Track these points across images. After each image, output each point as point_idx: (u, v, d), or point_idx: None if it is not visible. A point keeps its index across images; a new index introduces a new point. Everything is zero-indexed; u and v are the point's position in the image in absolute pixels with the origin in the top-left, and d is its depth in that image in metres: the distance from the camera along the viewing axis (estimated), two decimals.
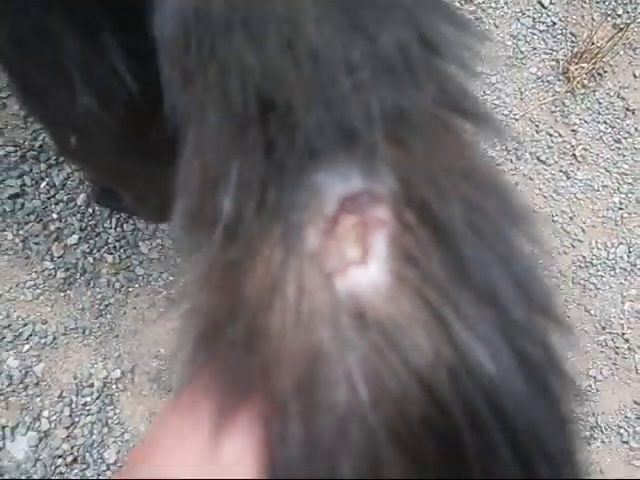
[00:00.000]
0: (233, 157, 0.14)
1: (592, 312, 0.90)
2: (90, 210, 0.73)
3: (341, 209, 0.13)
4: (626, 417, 0.88)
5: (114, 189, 0.63)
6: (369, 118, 0.14)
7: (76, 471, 0.69)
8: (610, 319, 0.90)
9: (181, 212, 0.17)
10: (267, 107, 0.14)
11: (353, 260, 0.12)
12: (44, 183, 0.72)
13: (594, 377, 0.88)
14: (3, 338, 0.69)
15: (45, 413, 0.69)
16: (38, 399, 0.69)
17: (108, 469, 0.70)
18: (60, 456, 0.69)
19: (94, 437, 0.70)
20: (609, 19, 0.96)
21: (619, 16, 0.97)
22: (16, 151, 0.71)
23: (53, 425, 0.69)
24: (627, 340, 0.90)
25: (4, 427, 0.68)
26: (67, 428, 0.70)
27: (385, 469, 0.11)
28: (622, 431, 0.87)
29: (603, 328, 0.90)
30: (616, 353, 0.89)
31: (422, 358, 0.11)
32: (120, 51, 0.23)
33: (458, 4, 0.90)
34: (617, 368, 0.89)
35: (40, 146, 0.72)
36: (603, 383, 0.88)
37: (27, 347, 0.70)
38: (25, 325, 0.70)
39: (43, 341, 0.70)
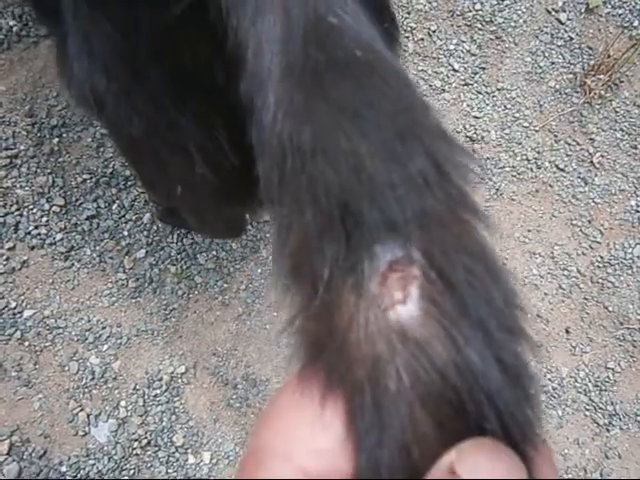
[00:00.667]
0: (325, 241, 0.23)
1: (610, 309, 0.96)
2: (155, 227, 0.83)
3: (389, 269, 0.21)
4: None
5: (178, 211, 0.73)
6: (405, 216, 0.22)
7: (149, 452, 0.80)
8: (628, 315, 0.96)
9: (281, 265, 0.25)
10: (344, 209, 0.23)
11: (398, 301, 0.21)
12: (115, 205, 0.83)
13: (612, 369, 0.94)
14: (85, 340, 0.80)
15: (122, 403, 0.80)
16: (116, 391, 0.81)
17: (176, 451, 0.81)
18: (136, 440, 0.80)
19: (164, 424, 0.81)
20: (625, 31, 1.01)
21: (635, 28, 1.02)
22: (91, 178, 0.82)
23: (129, 413, 0.81)
24: None
25: (89, 415, 0.79)
26: (141, 416, 0.81)
27: (419, 425, 0.20)
28: (639, 418, 0.93)
29: (621, 323, 0.96)
30: (634, 346, 0.96)
31: (440, 360, 0.20)
32: (227, 137, 0.33)
33: (480, 25, 0.97)
34: (634, 360, 0.95)
35: (111, 173, 0.83)
36: (621, 374, 0.95)
37: (105, 347, 0.81)
38: (103, 328, 0.81)
39: (119, 342, 0.81)
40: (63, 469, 0.77)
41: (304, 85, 0.24)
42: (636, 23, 1.02)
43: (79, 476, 0.78)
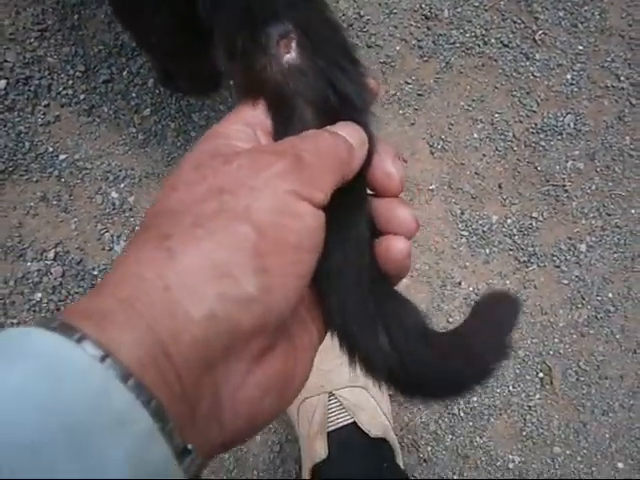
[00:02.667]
0: (240, 30, 0.41)
1: (539, 168, 1.14)
2: (157, 91, 1.04)
3: (279, 38, 0.34)
4: (560, 249, 1.14)
5: (173, 75, 0.92)
6: (283, 8, 0.40)
7: None
8: (554, 174, 1.14)
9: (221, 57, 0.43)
10: (247, 10, 0.41)
11: (286, 52, 0.35)
12: (125, 71, 1.03)
13: (536, 218, 1.14)
14: (107, 179, 1.04)
15: (136, 227, 1.05)
16: (132, 218, 1.05)
17: None
18: None
19: None
20: None
21: None
22: (105, 48, 1.02)
23: None
24: (566, 191, 1.14)
25: (112, 235, 1.04)
26: None
27: (305, 117, 0.39)
28: (555, 258, 1.14)
29: (547, 181, 1.14)
30: (556, 200, 1.14)
31: (311, 75, 0.38)
32: None
33: None
34: (556, 212, 1.14)
35: (121, 45, 1.02)
36: (543, 223, 1.14)
37: (122, 185, 1.04)
38: (120, 170, 1.04)
39: (132, 181, 1.04)
40: (95, 273, 1.04)
41: None
42: None
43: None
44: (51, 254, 1.02)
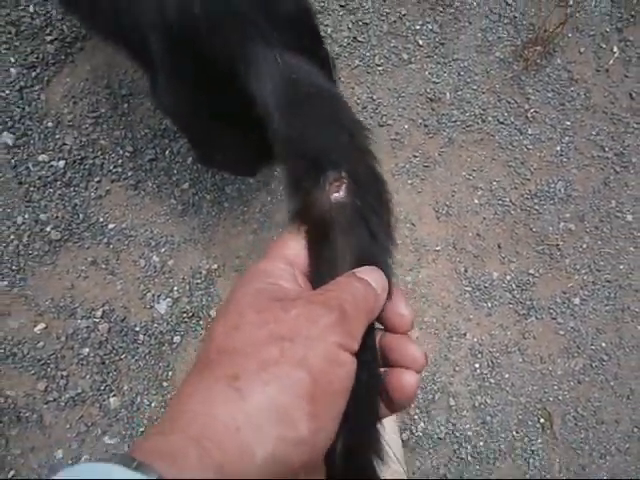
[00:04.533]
0: (303, 174, 0.55)
1: (534, 230, 1.26)
2: (195, 167, 1.18)
3: (333, 180, 0.36)
4: (555, 302, 1.26)
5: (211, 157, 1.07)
6: (338, 158, 0.55)
7: (194, 321, 1.18)
8: (548, 235, 1.27)
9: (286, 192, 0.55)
10: (311, 160, 0.53)
11: (335, 191, 0.36)
12: (167, 151, 1.17)
13: (532, 274, 1.26)
14: (149, 244, 1.17)
15: (175, 288, 1.18)
16: (171, 280, 1.18)
17: (212, 321, 1.18)
18: (185, 312, 1.17)
19: (203, 302, 1.18)
20: (561, 10, 1.26)
21: (570, 6, 1.27)
22: (150, 132, 1.17)
23: (180, 295, 1.18)
24: (560, 249, 1.27)
25: (153, 295, 1.17)
26: (188, 297, 1.18)
27: (338, 242, 0.38)
28: (551, 311, 1.25)
29: (542, 241, 1.26)
30: (551, 258, 1.26)
31: (350, 206, 0.36)
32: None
33: (441, 8, 1.24)
34: (551, 269, 1.26)
35: (164, 128, 1.17)
36: (539, 279, 1.26)
37: (163, 250, 1.17)
38: (161, 237, 1.17)
39: (172, 247, 1.17)
40: (137, 329, 1.16)
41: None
42: (571, 2, 1.27)
43: (148, 334, 1.16)
44: (99, 312, 1.15)
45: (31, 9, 1.13)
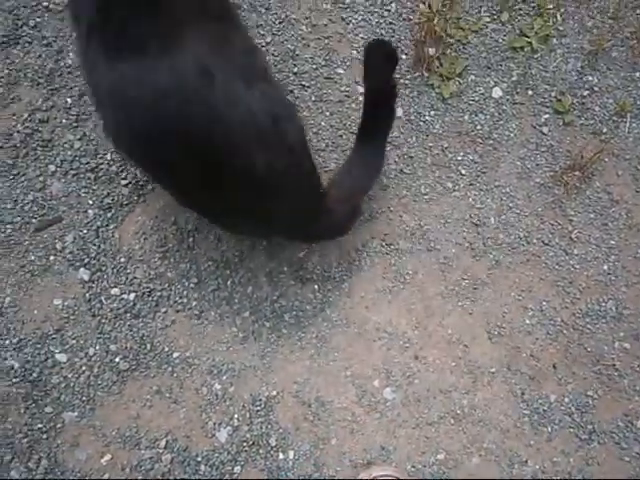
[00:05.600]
0: None
1: (589, 350, 1.27)
2: (255, 295, 1.24)
3: None
4: (617, 425, 1.23)
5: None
6: None
7: (254, 449, 1.19)
8: (603, 355, 1.26)
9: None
10: None
11: None
12: (229, 281, 1.24)
13: (591, 396, 1.24)
14: (212, 372, 1.21)
15: (236, 416, 1.20)
16: (231, 407, 1.20)
17: (271, 449, 1.19)
18: (245, 441, 1.19)
19: (263, 430, 1.20)
20: (595, 137, 1.34)
21: (604, 133, 1.34)
22: (214, 263, 1.24)
23: (240, 423, 1.20)
24: (617, 369, 1.26)
25: (214, 423, 1.19)
26: (248, 425, 1.20)
27: None
28: (614, 435, 1.22)
29: (597, 361, 1.26)
30: (608, 379, 1.25)
31: None
32: None
33: (480, 140, 1.33)
34: (609, 390, 1.25)
35: (226, 259, 1.25)
36: (599, 401, 1.24)
37: (224, 377, 1.21)
38: (223, 365, 1.21)
39: (233, 374, 1.21)
40: (198, 459, 1.18)
41: None
42: (605, 130, 1.35)
43: (209, 464, 1.18)
44: (162, 442, 1.17)
45: (108, 157, 1.25)
